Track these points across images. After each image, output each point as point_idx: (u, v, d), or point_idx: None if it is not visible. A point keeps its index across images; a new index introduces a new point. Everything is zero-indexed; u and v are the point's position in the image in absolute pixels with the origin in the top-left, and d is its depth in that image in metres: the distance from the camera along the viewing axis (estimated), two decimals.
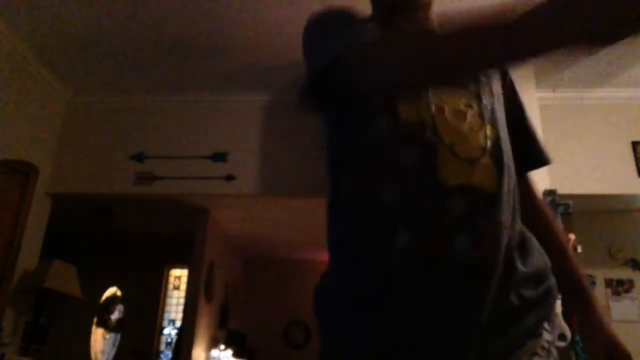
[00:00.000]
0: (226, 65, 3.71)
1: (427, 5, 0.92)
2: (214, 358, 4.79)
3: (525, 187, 0.92)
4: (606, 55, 3.52)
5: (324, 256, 0.88)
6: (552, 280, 0.80)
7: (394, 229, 0.71)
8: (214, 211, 4.64)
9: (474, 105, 0.78)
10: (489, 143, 0.75)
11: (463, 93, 0.79)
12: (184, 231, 4.79)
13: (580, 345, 2.69)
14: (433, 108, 0.75)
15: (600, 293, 3.91)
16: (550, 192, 3.02)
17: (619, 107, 3.83)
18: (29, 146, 3.67)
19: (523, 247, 0.76)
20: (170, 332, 5.79)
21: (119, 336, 5.78)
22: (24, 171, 3.47)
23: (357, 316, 0.73)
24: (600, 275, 3.84)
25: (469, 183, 0.71)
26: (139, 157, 3.91)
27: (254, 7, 3.16)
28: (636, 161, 3.66)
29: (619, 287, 4.06)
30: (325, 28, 0.82)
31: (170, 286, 6.06)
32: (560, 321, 2.65)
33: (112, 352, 5.71)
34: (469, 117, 0.76)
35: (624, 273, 4.09)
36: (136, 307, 5.78)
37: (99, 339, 5.76)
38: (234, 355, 5.03)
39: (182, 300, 5.77)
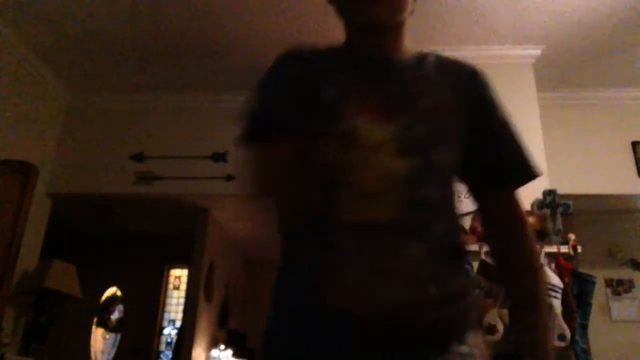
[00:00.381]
0: (226, 65, 3.71)
1: (393, 31, 0.91)
2: (214, 358, 4.79)
3: (505, 206, 0.91)
4: (606, 55, 3.52)
5: None
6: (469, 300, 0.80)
7: (299, 258, 0.79)
8: (214, 211, 4.64)
9: (393, 139, 0.78)
10: (401, 173, 0.76)
11: (383, 127, 0.79)
12: (184, 231, 4.79)
13: (581, 345, 2.69)
14: (343, 150, 0.77)
15: (600, 293, 3.91)
16: (550, 192, 3.02)
17: (619, 107, 3.83)
18: (29, 146, 3.67)
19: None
20: (170, 332, 5.79)
21: (119, 336, 5.78)
22: (24, 171, 3.46)
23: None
24: (600, 275, 3.84)
25: (360, 219, 0.73)
26: (139, 157, 3.91)
27: (254, 7, 3.16)
28: (636, 161, 3.66)
29: (619, 287, 4.07)
30: (260, 86, 0.94)
31: (170, 286, 6.06)
32: (560, 321, 2.65)
33: (112, 352, 5.71)
34: (382, 148, 0.77)
35: (624, 273, 4.09)
36: (136, 307, 5.78)
37: (99, 339, 5.76)
38: (234, 355, 5.03)
39: (182, 300, 5.78)
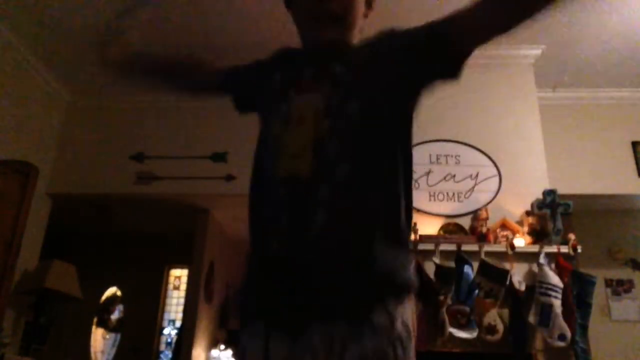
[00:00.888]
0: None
1: (341, 20, 1.03)
2: (214, 358, 4.79)
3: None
4: (607, 55, 3.52)
5: None
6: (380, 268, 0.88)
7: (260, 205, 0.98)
8: (214, 211, 4.64)
9: (316, 106, 0.95)
10: (318, 133, 0.92)
11: (313, 98, 0.96)
12: (184, 231, 4.79)
13: (581, 345, 2.69)
14: (284, 125, 0.96)
15: (600, 293, 3.91)
16: (550, 192, 3.02)
17: (619, 107, 3.83)
18: (29, 146, 3.67)
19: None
20: (170, 332, 5.79)
21: (119, 336, 5.78)
22: (24, 171, 3.46)
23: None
24: (600, 275, 3.84)
25: (286, 175, 0.92)
26: (139, 157, 3.91)
27: (254, 8, 3.16)
28: (636, 161, 3.66)
29: (619, 287, 4.06)
30: None
31: (170, 286, 6.06)
32: (560, 321, 2.65)
33: (112, 352, 5.71)
34: (307, 118, 0.94)
35: (624, 273, 4.09)
36: (136, 307, 5.78)
37: (99, 339, 5.76)
38: (234, 355, 5.03)
39: (182, 300, 5.78)
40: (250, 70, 1.17)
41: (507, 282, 2.74)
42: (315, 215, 0.86)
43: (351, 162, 0.90)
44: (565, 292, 2.72)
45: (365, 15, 1.08)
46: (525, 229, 3.02)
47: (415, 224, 2.88)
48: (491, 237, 2.95)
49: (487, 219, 3.03)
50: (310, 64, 1.04)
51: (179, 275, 6.09)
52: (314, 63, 1.04)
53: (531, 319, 2.70)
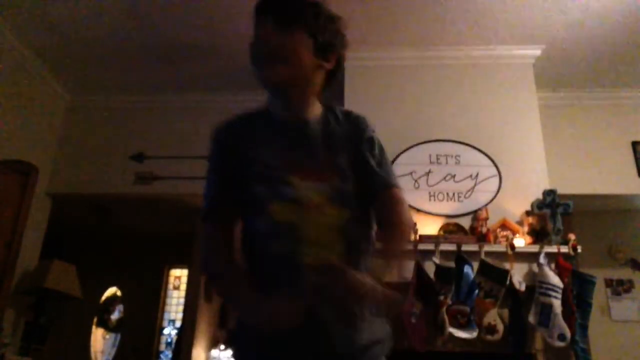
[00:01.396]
0: (226, 65, 3.71)
1: (297, 91, 1.07)
2: (214, 358, 4.79)
3: (382, 204, 1.10)
4: (606, 55, 3.52)
5: None
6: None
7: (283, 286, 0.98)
8: None
9: (327, 195, 1.02)
10: (338, 223, 1.01)
11: (320, 187, 1.02)
12: (184, 231, 4.78)
13: (581, 345, 2.69)
14: (297, 211, 1.00)
15: (600, 293, 3.91)
16: (550, 192, 3.02)
17: (619, 107, 3.83)
18: (29, 146, 3.67)
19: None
20: (170, 332, 5.79)
21: (119, 336, 5.78)
22: (24, 171, 3.47)
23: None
24: (600, 275, 3.84)
25: (319, 262, 0.95)
26: (139, 157, 3.91)
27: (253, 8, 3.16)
28: (636, 161, 3.66)
29: (619, 287, 4.07)
30: (209, 164, 1.18)
31: (170, 286, 6.06)
32: (560, 321, 2.65)
33: (112, 352, 5.71)
34: (323, 206, 1.01)
35: (624, 273, 4.09)
36: (136, 307, 5.78)
37: (99, 339, 5.76)
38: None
39: (182, 300, 5.78)
40: (230, 169, 1.12)
41: (507, 282, 2.74)
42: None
43: (366, 252, 1.04)
44: (565, 292, 2.72)
45: (325, 67, 1.09)
46: (525, 229, 3.02)
47: (415, 224, 2.88)
48: (491, 237, 2.95)
49: (487, 219, 3.03)
50: (284, 135, 1.08)
51: (179, 275, 6.10)
52: (287, 134, 1.09)
53: (531, 319, 2.70)
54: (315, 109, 1.12)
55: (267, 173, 1.03)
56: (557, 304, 2.68)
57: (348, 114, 1.16)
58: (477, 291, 2.74)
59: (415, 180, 3.22)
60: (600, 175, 3.60)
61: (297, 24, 1.04)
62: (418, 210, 3.11)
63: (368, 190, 1.08)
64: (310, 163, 1.05)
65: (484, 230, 2.97)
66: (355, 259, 1.00)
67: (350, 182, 1.05)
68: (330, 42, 1.09)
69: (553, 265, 2.82)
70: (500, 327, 2.70)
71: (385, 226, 1.09)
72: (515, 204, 3.14)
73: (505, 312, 2.78)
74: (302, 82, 1.06)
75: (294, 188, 1.01)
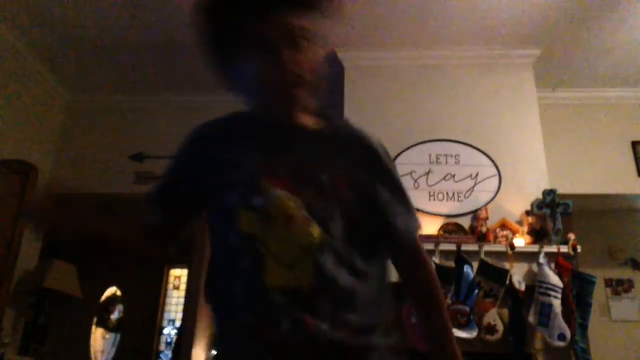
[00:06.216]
0: None
1: (296, 100, 0.95)
2: None
3: (405, 263, 1.03)
4: (606, 55, 3.52)
5: None
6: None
7: (238, 312, 0.90)
8: None
9: (303, 209, 0.89)
10: (312, 241, 0.88)
11: (294, 199, 0.89)
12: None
13: (581, 345, 2.69)
14: (264, 222, 0.89)
15: (600, 293, 3.91)
16: (550, 192, 3.02)
17: (619, 107, 3.83)
18: (29, 146, 3.67)
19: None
20: (170, 332, 5.78)
21: (119, 336, 5.78)
22: (24, 171, 3.47)
23: None
24: (600, 275, 3.84)
25: (286, 285, 0.87)
26: (139, 157, 3.91)
27: None
28: (636, 161, 3.66)
29: (619, 287, 4.07)
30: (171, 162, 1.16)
31: (170, 286, 6.05)
32: (560, 321, 2.65)
33: (112, 352, 5.71)
34: (296, 220, 0.88)
35: (624, 273, 4.10)
36: (136, 307, 5.78)
37: (99, 339, 5.76)
38: None
39: (182, 300, 5.77)
40: (185, 172, 1.10)
41: (507, 282, 2.74)
42: (321, 327, 0.85)
43: (348, 274, 0.90)
44: (565, 292, 2.72)
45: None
46: (525, 229, 3.02)
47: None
48: (491, 237, 2.95)
49: (487, 219, 3.03)
50: (269, 140, 0.97)
51: (179, 275, 6.09)
52: (273, 139, 0.97)
53: (531, 319, 2.70)
54: (311, 116, 1.00)
55: (239, 178, 0.92)
56: (557, 304, 2.68)
57: (350, 128, 1.03)
58: (477, 291, 2.74)
59: (415, 180, 3.22)
60: (600, 175, 3.60)
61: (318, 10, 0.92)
62: (418, 211, 3.11)
63: (381, 231, 0.97)
64: (293, 172, 0.91)
65: (484, 230, 2.97)
66: (329, 283, 0.88)
67: (342, 205, 0.92)
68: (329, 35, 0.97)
69: (553, 265, 2.82)
70: (500, 327, 2.70)
71: (423, 307, 1.03)
72: (515, 204, 3.14)
73: (505, 312, 2.78)
74: (313, 80, 0.94)
75: (266, 196, 0.88)
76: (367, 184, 0.96)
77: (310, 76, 0.92)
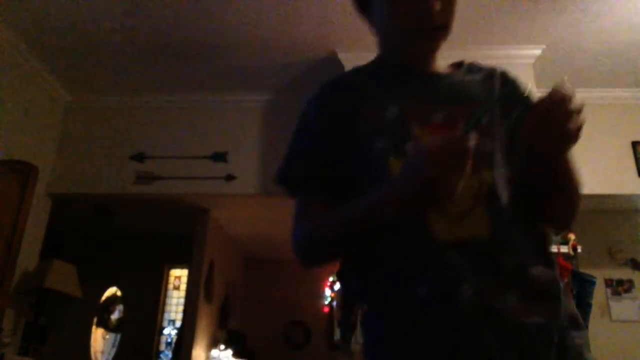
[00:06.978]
0: (226, 65, 3.71)
1: (441, 38, 0.91)
2: (214, 358, 4.79)
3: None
4: (606, 55, 3.52)
5: None
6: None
7: (414, 282, 0.77)
8: (214, 211, 4.64)
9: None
10: (482, 189, 0.79)
11: None
12: (184, 231, 4.79)
13: None
14: None
15: (600, 293, 3.90)
16: None
17: (619, 107, 3.83)
18: (29, 146, 3.67)
19: (544, 295, 0.78)
20: (170, 332, 5.79)
21: (119, 336, 5.78)
22: (24, 171, 3.46)
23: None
24: (600, 275, 3.84)
25: (458, 237, 0.76)
26: (139, 157, 3.91)
27: (253, 8, 3.16)
28: (636, 161, 3.66)
29: (619, 287, 4.06)
30: (293, 136, 0.95)
31: (170, 286, 6.06)
32: None
33: (112, 352, 5.71)
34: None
35: (624, 273, 4.09)
36: (136, 307, 5.78)
37: (99, 339, 5.76)
38: (234, 355, 5.03)
39: (182, 300, 5.77)
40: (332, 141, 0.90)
41: None
42: (508, 293, 0.74)
43: (518, 223, 0.80)
44: None
45: None
46: None
47: None
48: None
49: None
50: (415, 86, 0.89)
51: (179, 275, 6.09)
52: (419, 85, 0.90)
53: None
54: (442, 64, 0.95)
55: (386, 125, 0.83)
56: None
57: (486, 69, 0.96)
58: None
59: None
60: (600, 175, 3.60)
61: None
62: None
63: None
64: (444, 115, 0.84)
65: None
66: (506, 234, 0.77)
67: (499, 143, 0.84)
68: None
69: None
70: None
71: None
72: None
73: None
74: (450, 25, 0.89)
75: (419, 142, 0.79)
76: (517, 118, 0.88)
77: (450, 20, 0.88)
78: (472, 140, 0.68)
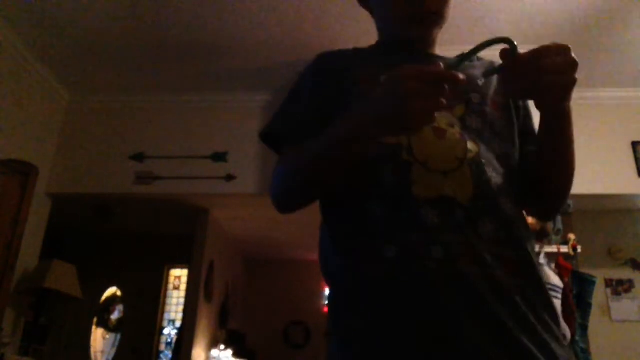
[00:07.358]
0: (226, 65, 3.71)
1: (437, 25, 0.97)
2: (214, 358, 4.79)
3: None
4: (606, 55, 3.52)
5: None
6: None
7: (379, 242, 0.75)
8: (214, 211, 4.64)
9: (456, 125, 0.83)
10: (468, 155, 0.79)
11: (446, 115, 0.83)
12: (184, 231, 4.79)
13: (581, 345, 2.69)
14: (411, 136, 0.80)
15: (600, 293, 3.90)
16: None
17: (619, 107, 3.83)
18: (29, 146, 3.67)
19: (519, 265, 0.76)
20: (170, 332, 5.79)
21: (119, 336, 5.78)
22: (24, 171, 3.46)
23: (356, 321, 0.76)
24: (600, 275, 3.84)
25: (440, 194, 0.76)
26: (139, 157, 3.91)
27: (253, 7, 3.16)
28: (636, 161, 3.66)
29: (619, 287, 4.06)
30: (287, 95, 0.99)
31: (170, 286, 6.05)
32: (560, 321, 2.65)
33: (112, 352, 5.71)
34: (448, 134, 0.81)
35: (624, 273, 4.09)
36: (136, 307, 5.78)
37: (99, 339, 5.76)
38: (234, 355, 5.03)
39: (182, 300, 5.77)
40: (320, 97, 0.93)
41: None
42: (479, 258, 0.72)
43: (507, 197, 0.80)
44: (565, 292, 2.72)
45: None
46: None
47: None
48: None
49: None
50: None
51: (179, 275, 6.09)
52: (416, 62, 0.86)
53: None
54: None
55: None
56: (557, 304, 2.68)
57: (495, 63, 0.98)
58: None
59: None
60: (600, 175, 3.60)
61: None
62: None
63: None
64: None
65: None
66: (489, 200, 0.77)
67: (494, 124, 0.86)
68: None
69: (553, 265, 2.82)
70: None
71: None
72: None
73: None
74: (445, 15, 0.95)
75: None
76: (513, 107, 0.94)
77: (444, 7, 0.94)
78: (449, 75, 0.69)
